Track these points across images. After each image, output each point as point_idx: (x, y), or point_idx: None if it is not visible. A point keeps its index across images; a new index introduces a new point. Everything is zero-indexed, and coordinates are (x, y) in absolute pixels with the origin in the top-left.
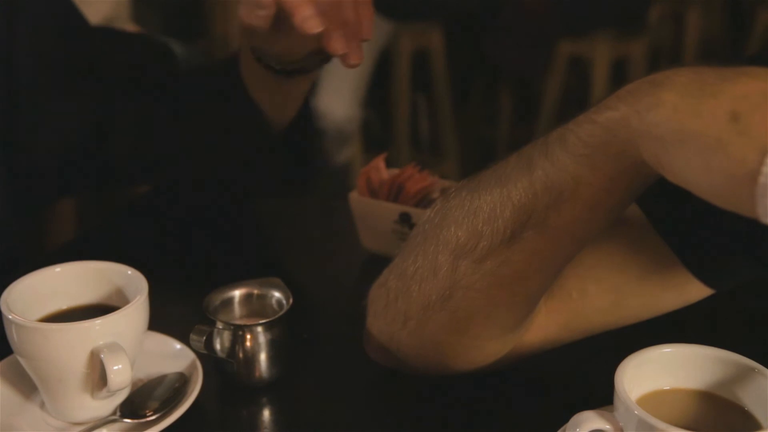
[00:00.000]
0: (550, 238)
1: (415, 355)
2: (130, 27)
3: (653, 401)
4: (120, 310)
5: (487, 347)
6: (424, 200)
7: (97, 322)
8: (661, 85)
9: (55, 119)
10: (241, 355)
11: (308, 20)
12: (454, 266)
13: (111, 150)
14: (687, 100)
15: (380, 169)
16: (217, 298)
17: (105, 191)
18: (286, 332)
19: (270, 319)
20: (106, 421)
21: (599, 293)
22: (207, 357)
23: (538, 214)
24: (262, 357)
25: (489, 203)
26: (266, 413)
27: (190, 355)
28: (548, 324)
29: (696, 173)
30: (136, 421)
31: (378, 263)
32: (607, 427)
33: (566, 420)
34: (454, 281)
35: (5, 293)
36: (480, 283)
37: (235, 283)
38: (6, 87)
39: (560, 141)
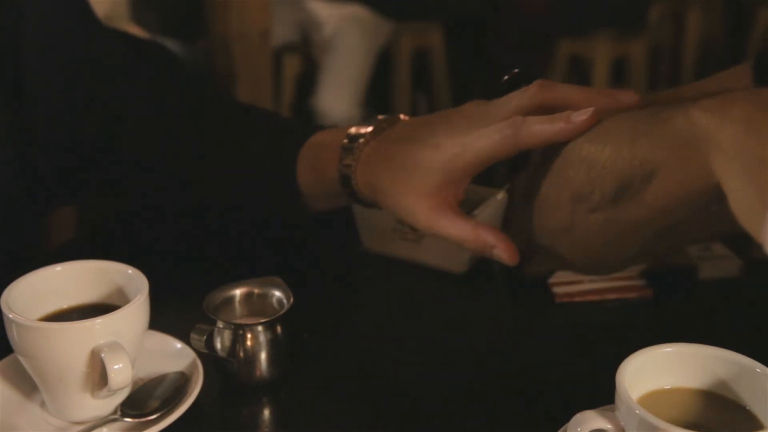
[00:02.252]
0: (645, 208)
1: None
2: (130, 27)
3: (655, 401)
4: (120, 309)
5: (617, 266)
6: None
7: (98, 322)
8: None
9: (61, 121)
10: (241, 354)
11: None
12: (572, 208)
13: (118, 157)
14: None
15: None
16: (217, 298)
17: (110, 196)
18: (286, 332)
19: (270, 318)
20: (106, 421)
21: None
22: (207, 356)
23: (636, 185)
24: (263, 356)
25: (608, 156)
26: (267, 412)
27: (190, 355)
28: None
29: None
30: (136, 420)
31: (378, 263)
32: (609, 426)
33: (567, 420)
34: (572, 221)
35: (5, 292)
36: (594, 229)
37: (235, 282)
38: (12, 86)
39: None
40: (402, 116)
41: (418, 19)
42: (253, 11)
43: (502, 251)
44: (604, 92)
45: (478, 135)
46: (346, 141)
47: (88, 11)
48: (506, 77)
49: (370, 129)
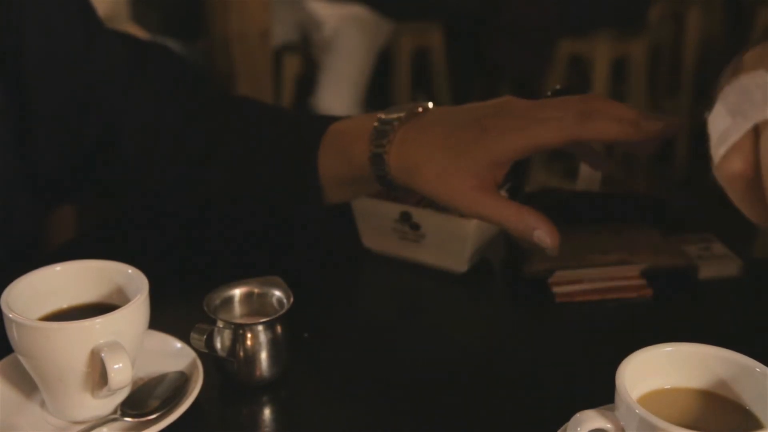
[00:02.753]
0: None
1: None
2: (130, 27)
3: (654, 400)
4: (120, 309)
5: None
6: (424, 199)
7: (98, 321)
8: None
9: (62, 121)
10: (241, 354)
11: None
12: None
13: (120, 157)
14: None
15: None
16: (217, 297)
17: (111, 196)
18: (286, 331)
19: (270, 318)
20: (106, 420)
21: None
22: (207, 356)
23: None
24: (263, 356)
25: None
26: (267, 412)
27: (190, 354)
28: None
29: None
30: (136, 420)
31: (378, 262)
32: (608, 426)
33: (566, 419)
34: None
35: (5, 292)
36: None
37: (235, 281)
38: (14, 86)
39: None
40: (430, 104)
41: (418, 19)
42: (253, 11)
43: (545, 233)
44: (646, 123)
45: (535, 121)
46: (377, 124)
47: (89, 11)
48: (549, 93)
49: (402, 114)
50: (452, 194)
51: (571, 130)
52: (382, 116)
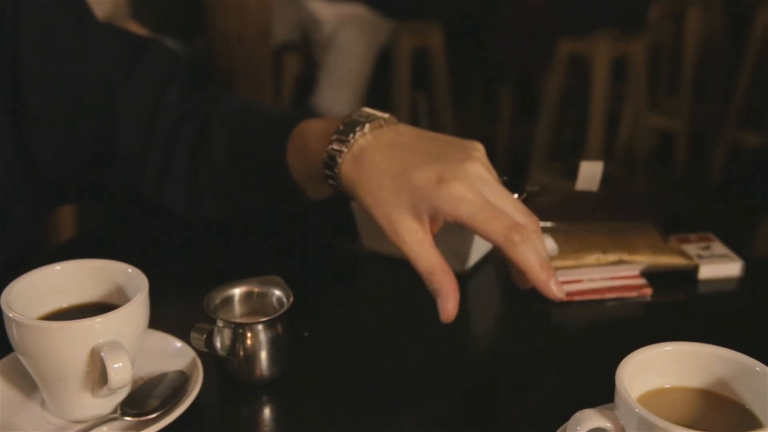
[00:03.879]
0: None
1: None
2: (130, 25)
3: (654, 399)
4: (120, 308)
5: None
6: None
7: (98, 321)
8: None
9: (59, 119)
10: (241, 353)
11: (556, 287)
12: None
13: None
14: None
15: None
16: (217, 297)
17: (111, 196)
18: (286, 331)
19: (270, 317)
20: (106, 420)
21: None
22: (207, 355)
23: None
24: (263, 355)
25: None
26: (267, 411)
27: (190, 354)
28: None
29: None
30: (136, 419)
31: (378, 262)
32: (608, 425)
33: (566, 418)
34: None
35: (5, 291)
36: None
37: (235, 281)
38: (11, 84)
39: None
40: (395, 118)
41: (418, 19)
42: (253, 10)
43: (443, 305)
44: (546, 274)
45: (486, 209)
46: (341, 126)
47: (84, 9)
48: (517, 195)
49: (366, 123)
50: (386, 223)
51: (505, 242)
52: (347, 120)
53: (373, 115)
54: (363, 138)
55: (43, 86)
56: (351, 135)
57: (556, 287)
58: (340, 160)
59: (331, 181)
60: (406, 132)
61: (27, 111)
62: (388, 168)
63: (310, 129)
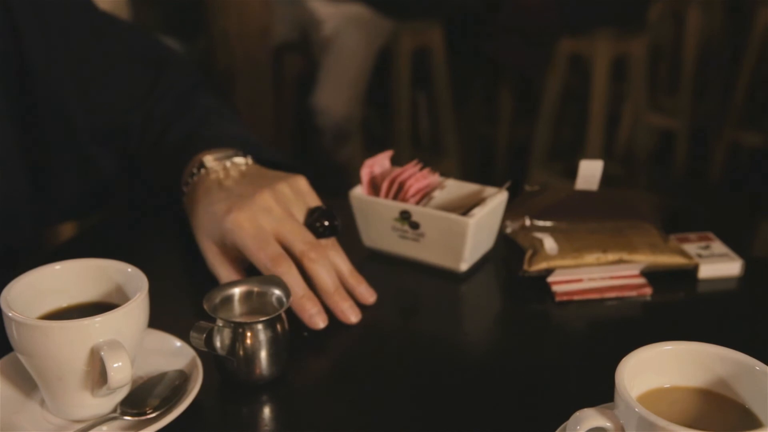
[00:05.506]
0: None
1: None
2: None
3: (654, 399)
4: (120, 307)
5: None
6: (424, 198)
7: (97, 320)
8: None
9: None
10: (241, 352)
11: (314, 317)
12: None
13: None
14: None
15: (385, 165)
16: (217, 296)
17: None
18: (286, 330)
19: (270, 316)
20: (106, 419)
21: None
22: (207, 354)
23: None
24: (262, 354)
25: None
26: (266, 411)
27: (190, 353)
28: None
29: None
30: (136, 418)
31: (378, 262)
32: (608, 424)
33: (566, 418)
34: None
35: (5, 291)
36: None
37: (235, 280)
38: (17, 86)
39: None
40: (249, 160)
41: (418, 19)
42: (253, 10)
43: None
44: (341, 298)
45: (254, 239)
46: (195, 170)
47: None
48: (313, 210)
49: (214, 164)
50: (198, 243)
51: (302, 258)
52: (204, 162)
53: (230, 155)
54: (209, 177)
55: (64, 107)
56: (200, 172)
57: (350, 311)
58: (185, 191)
59: (183, 198)
60: (243, 173)
61: (32, 111)
62: (206, 202)
63: (194, 161)
